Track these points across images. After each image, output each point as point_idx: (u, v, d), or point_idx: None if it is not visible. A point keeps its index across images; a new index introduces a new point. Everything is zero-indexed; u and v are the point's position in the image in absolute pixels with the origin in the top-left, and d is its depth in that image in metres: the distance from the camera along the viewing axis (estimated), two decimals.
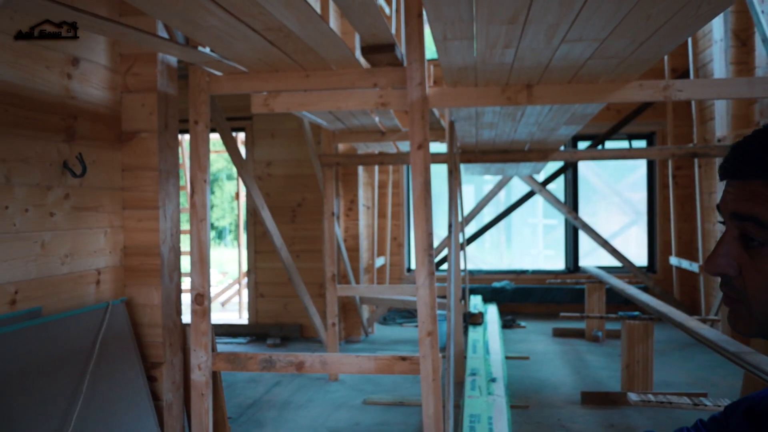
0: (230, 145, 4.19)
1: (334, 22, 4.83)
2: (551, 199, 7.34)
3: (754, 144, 0.69)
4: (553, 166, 7.33)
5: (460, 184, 5.09)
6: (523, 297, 7.39)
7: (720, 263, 0.70)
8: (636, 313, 4.21)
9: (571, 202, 7.64)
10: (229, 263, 13.60)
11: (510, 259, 8.59)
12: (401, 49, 3.07)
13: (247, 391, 4.42)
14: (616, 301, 6.62)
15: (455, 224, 4.18)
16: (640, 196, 7.87)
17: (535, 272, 7.82)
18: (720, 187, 5.73)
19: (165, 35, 2.71)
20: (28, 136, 2.26)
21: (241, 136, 6.71)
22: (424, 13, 2.42)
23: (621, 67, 2.63)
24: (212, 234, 16.68)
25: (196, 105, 2.73)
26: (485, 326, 5.53)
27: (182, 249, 3.04)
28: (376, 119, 4.35)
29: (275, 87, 2.76)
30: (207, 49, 2.57)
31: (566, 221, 7.69)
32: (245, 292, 7.79)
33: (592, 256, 7.80)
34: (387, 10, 4.99)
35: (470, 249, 8.05)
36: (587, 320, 5.97)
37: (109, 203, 2.71)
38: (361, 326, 6.22)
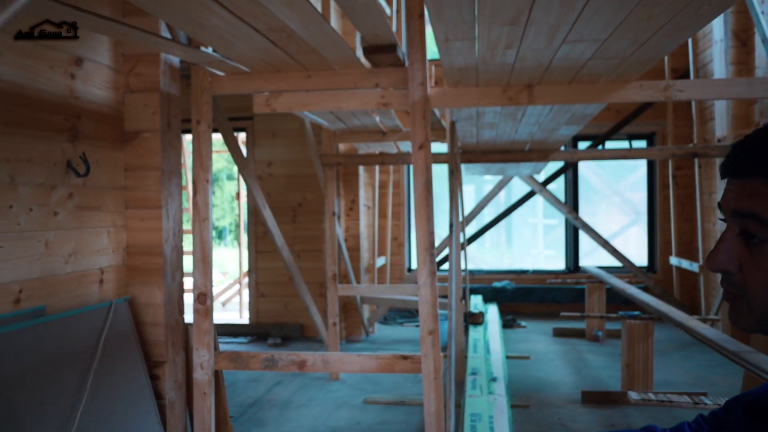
0: (232, 145, 4.20)
1: (335, 23, 4.84)
2: (551, 199, 7.35)
3: (755, 143, 0.70)
4: (553, 166, 7.35)
5: (460, 184, 5.10)
6: (523, 297, 7.40)
7: (721, 260, 0.72)
8: (636, 312, 4.23)
9: (571, 202, 7.65)
10: (229, 263, 13.61)
11: (510, 259, 8.61)
12: (402, 49, 3.08)
13: (248, 391, 4.43)
14: (617, 300, 6.64)
15: (456, 224, 4.19)
16: (640, 196, 7.88)
17: (535, 272, 7.83)
18: (720, 186, 5.74)
19: (168, 35, 2.73)
20: (33, 136, 2.27)
21: (242, 136, 6.72)
22: (426, 13, 2.43)
23: (622, 67, 2.64)
24: (212, 234, 16.66)
25: (199, 105, 2.74)
26: (486, 326, 5.54)
27: (184, 249, 3.05)
28: (377, 119, 4.36)
29: (277, 87, 2.77)
30: (209, 50, 2.58)
31: (566, 221, 7.70)
32: (246, 292, 7.80)
33: (593, 256, 7.81)
34: (387, 11, 5.00)
35: (471, 249, 8.06)
36: (587, 320, 5.98)
37: (112, 203, 2.72)
38: (362, 326, 6.23)
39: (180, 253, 2.95)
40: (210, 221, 2.76)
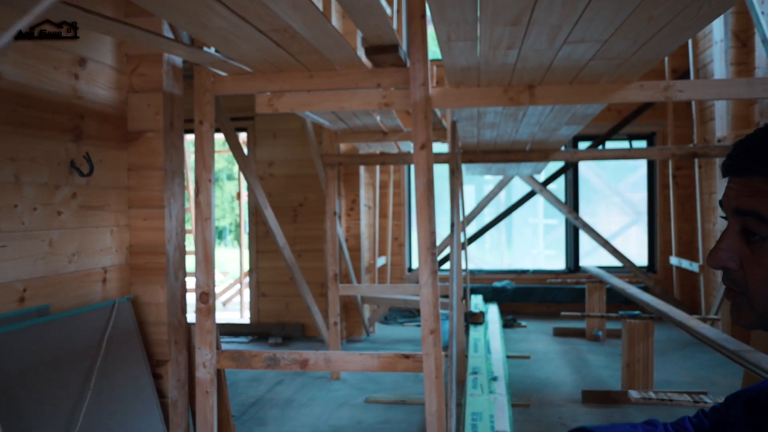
0: (234, 145, 4.21)
1: (335, 23, 4.86)
2: (552, 199, 7.36)
3: (756, 142, 0.71)
4: (553, 166, 7.36)
5: (461, 184, 5.12)
6: (523, 297, 7.41)
7: (722, 257, 0.73)
8: (636, 312, 4.24)
9: (571, 202, 7.66)
10: (229, 263, 13.61)
11: (511, 259, 8.62)
12: (403, 48, 3.09)
13: (250, 390, 4.44)
14: (617, 300, 6.65)
15: (457, 224, 4.21)
16: (640, 196, 7.90)
17: (535, 272, 7.84)
18: (720, 186, 5.76)
19: (170, 36, 2.74)
20: (37, 136, 2.28)
21: (242, 136, 6.74)
22: (428, 13, 2.44)
23: (622, 68, 2.65)
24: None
25: (201, 105, 2.75)
26: (486, 325, 5.56)
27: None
28: (378, 119, 4.38)
29: (279, 87, 2.79)
30: (212, 50, 2.59)
31: (567, 221, 7.71)
32: (246, 292, 7.82)
33: (593, 256, 7.83)
34: (388, 11, 5.01)
35: (471, 249, 8.07)
36: (588, 320, 5.99)
37: (115, 202, 2.73)
38: (363, 326, 6.24)
39: (183, 252, 2.96)
40: (212, 221, 2.77)
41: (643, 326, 4.04)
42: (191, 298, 4.95)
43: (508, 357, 4.96)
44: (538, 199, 8.20)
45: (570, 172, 7.64)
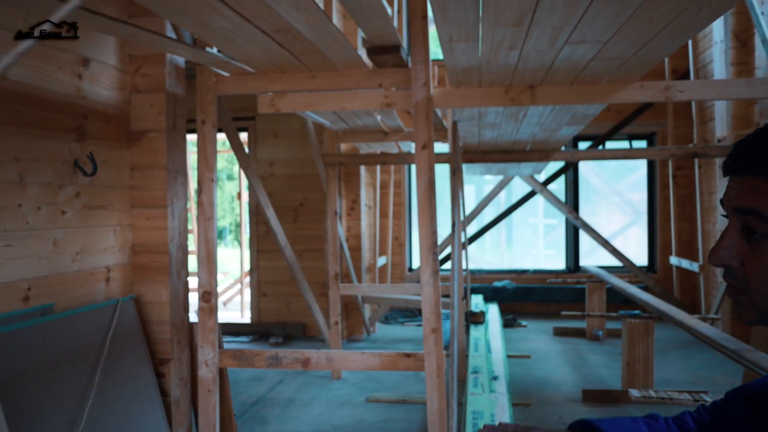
0: (236, 145, 4.22)
1: (336, 23, 4.87)
2: (552, 199, 7.38)
3: (756, 142, 0.73)
4: (553, 166, 7.38)
5: (462, 184, 5.13)
6: (523, 296, 7.43)
7: (723, 255, 0.74)
8: (636, 312, 4.25)
9: (571, 202, 7.67)
10: (229, 263, 13.60)
11: (511, 259, 8.64)
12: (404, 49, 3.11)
13: (251, 389, 4.45)
14: (617, 300, 6.67)
15: (458, 223, 4.22)
16: (640, 196, 7.91)
17: (535, 272, 7.86)
18: (720, 186, 5.77)
19: (173, 36, 2.75)
20: (41, 136, 2.29)
21: (243, 136, 6.75)
22: (430, 14, 2.46)
23: (623, 68, 2.66)
24: None
25: (204, 105, 2.77)
26: (486, 325, 5.57)
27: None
28: (379, 119, 4.39)
29: (281, 87, 2.80)
30: (214, 50, 2.61)
31: (567, 221, 7.73)
32: (247, 291, 7.83)
33: (593, 256, 7.84)
34: (389, 11, 5.03)
35: (471, 249, 8.09)
36: (588, 319, 6.01)
37: (118, 202, 2.74)
38: (363, 325, 6.26)
39: (185, 251, 2.97)
40: (215, 220, 2.79)
41: (643, 326, 4.06)
42: (193, 298, 4.97)
43: (508, 356, 4.97)
44: (539, 199, 8.21)
45: (570, 172, 7.66)
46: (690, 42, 6.30)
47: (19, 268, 2.18)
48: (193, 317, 3.05)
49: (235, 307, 8.79)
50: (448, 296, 5.15)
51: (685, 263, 6.61)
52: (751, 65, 5.23)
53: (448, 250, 6.95)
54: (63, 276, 2.40)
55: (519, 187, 8.07)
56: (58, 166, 2.38)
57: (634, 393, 3.42)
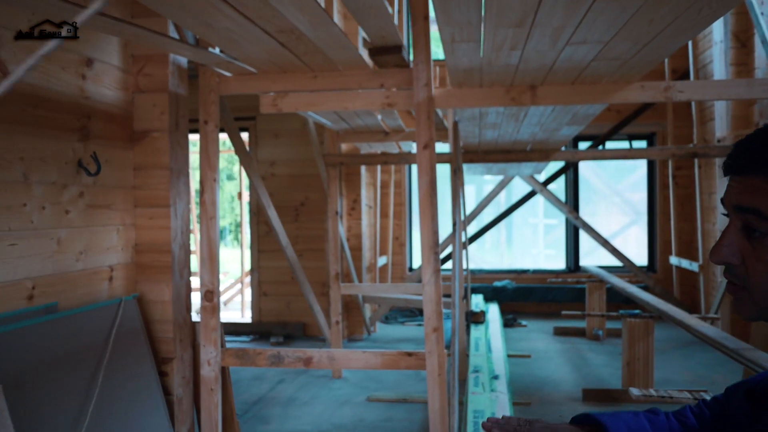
0: (238, 145, 4.23)
1: (337, 23, 4.88)
2: (552, 198, 7.39)
3: (756, 142, 0.74)
4: (554, 166, 7.39)
5: (462, 184, 5.14)
6: (524, 296, 7.44)
7: (724, 253, 0.76)
8: (636, 311, 4.26)
9: (571, 202, 7.69)
10: (229, 263, 13.61)
11: (511, 259, 8.65)
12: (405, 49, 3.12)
13: (252, 389, 4.46)
14: (617, 300, 6.68)
15: (459, 223, 4.23)
16: (640, 196, 7.93)
17: (535, 271, 7.87)
18: (720, 186, 5.78)
19: (176, 36, 2.76)
20: (45, 136, 2.31)
21: (244, 136, 6.76)
22: (432, 14, 2.47)
23: (623, 68, 2.68)
24: None
25: (206, 105, 2.78)
26: (487, 325, 5.58)
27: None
28: (380, 119, 4.40)
29: (284, 87, 2.81)
30: (217, 50, 2.62)
31: (567, 221, 7.74)
32: (248, 291, 7.84)
33: (593, 256, 7.86)
34: (390, 11, 5.04)
35: (471, 248, 8.10)
36: (588, 319, 6.02)
37: (121, 201, 2.76)
38: (364, 325, 6.27)
39: (187, 251, 2.99)
40: (217, 220, 2.80)
41: (643, 325, 4.07)
42: (195, 297, 4.98)
43: (508, 356, 4.98)
44: (539, 199, 8.23)
45: (570, 172, 7.67)
46: (690, 42, 6.31)
47: (24, 267, 2.19)
48: (195, 316, 3.06)
49: (236, 306, 8.79)
50: (448, 296, 5.16)
51: (685, 263, 6.62)
52: (751, 65, 5.25)
53: (448, 250, 6.96)
54: (67, 275, 2.41)
55: (519, 187, 8.08)
56: (62, 165, 2.39)
57: (635, 392, 3.44)
